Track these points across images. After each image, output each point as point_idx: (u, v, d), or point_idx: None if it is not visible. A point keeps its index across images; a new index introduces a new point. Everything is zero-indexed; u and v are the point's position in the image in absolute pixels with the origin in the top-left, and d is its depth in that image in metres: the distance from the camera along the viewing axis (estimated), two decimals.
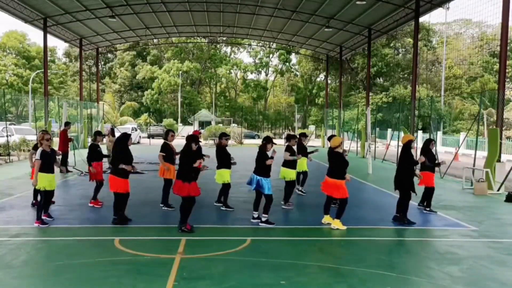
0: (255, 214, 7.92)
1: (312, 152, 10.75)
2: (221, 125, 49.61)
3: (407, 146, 8.10)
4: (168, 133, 9.02)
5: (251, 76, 68.46)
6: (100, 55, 41.71)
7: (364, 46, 29.33)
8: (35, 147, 8.75)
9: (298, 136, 10.25)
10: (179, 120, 57.93)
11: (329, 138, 9.81)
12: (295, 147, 9.58)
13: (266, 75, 70.54)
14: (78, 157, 16.27)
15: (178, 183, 6.91)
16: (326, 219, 7.86)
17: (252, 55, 66.15)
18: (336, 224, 7.60)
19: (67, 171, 14.54)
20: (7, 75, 55.42)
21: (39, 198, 8.03)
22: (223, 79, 63.92)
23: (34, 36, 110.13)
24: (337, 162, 7.66)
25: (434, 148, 9.39)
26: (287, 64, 65.49)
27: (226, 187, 8.93)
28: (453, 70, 47.44)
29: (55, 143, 14.00)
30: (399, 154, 8.36)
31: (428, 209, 9.21)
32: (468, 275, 5.51)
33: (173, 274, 5.22)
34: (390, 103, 39.83)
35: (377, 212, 9.24)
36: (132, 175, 7.89)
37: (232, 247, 6.37)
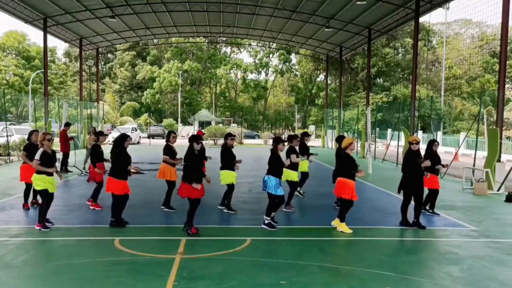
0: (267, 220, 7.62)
1: (312, 154, 10.65)
2: (221, 125, 49.65)
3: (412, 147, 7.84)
4: (170, 135, 8.94)
5: (251, 76, 68.51)
6: (100, 55, 41.70)
7: (364, 46, 29.34)
8: (26, 148, 8.63)
9: (299, 136, 9.90)
10: (179, 120, 57.94)
11: (337, 139, 9.73)
12: (297, 147, 9.39)
13: (266, 75, 70.58)
14: (79, 157, 16.27)
15: (185, 185, 6.76)
16: (335, 222, 7.60)
17: (252, 55, 66.17)
18: (342, 227, 7.40)
19: (67, 171, 14.55)
20: (8, 75, 55.43)
21: (39, 197, 7.97)
22: (222, 79, 63.94)
23: (34, 36, 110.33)
24: (345, 163, 7.50)
25: (437, 148, 9.26)
26: (287, 64, 65.52)
27: (230, 188, 8.73)
28: (453, 70, 47.45)
29: (55, 143, 13.98)
30: (405, 157, 8.00)
31: (431, 211, 9.06)
32: (468, 275, 5.51)
33: (173, 274, 5.22)
34: (390, 103, 39.84)
35: (377, 212, 9.24)
36: (132, 176, 7.86)
37: (232, 247, 6.37)
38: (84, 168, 15.14)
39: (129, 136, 7.83)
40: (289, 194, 9.05)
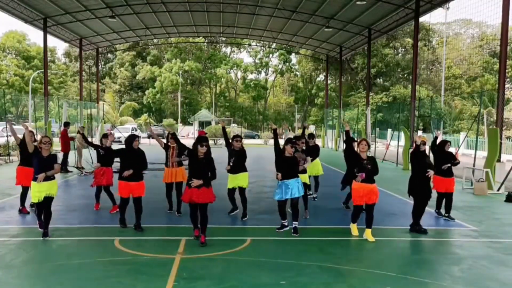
0: (285, 223, 7.34)
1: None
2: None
3: (418, 149, 7.43)
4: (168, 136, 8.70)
5: (251, 76, 68.47)
6: (100, 55, 41.70)
7: (364, 46, 29.33)
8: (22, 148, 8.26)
9: (305, 137, 9.51)
10: (179, 120, 57.93)
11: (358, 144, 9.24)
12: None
13: (266, 75, 70.54)
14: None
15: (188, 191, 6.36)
16: (353, 228, 7.27)
17: (252, 55, 66.16)
18: (367, 235, 6.92)
19: (67, 171, 14.56)
20: (8, 75, 55.45)
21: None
22: (222, 79, 63.93)
23: (34, 36, 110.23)
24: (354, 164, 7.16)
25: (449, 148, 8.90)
26: (287, 64, 65.50)
27: (241, 192, 8.31)
28: (452, 70, 47.46)
29: (55, 143, 13.98)
30: (412, 158, 7.57)
31: (447, 215, 8.53)
32: (468, 275, 5.51)
33: (173, 274, 5.22)
34: (390, 103, 39.82)
35: (377, 212, 9.17)
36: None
37: (232, 247, 6.37)
38: (83, 168, 15.16)
39: (138, 136, 7.72)
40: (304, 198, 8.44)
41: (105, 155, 8.68)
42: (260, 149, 29.33)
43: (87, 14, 23.87)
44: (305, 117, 63.64)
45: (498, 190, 12.23)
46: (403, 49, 52.07)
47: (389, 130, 34.21)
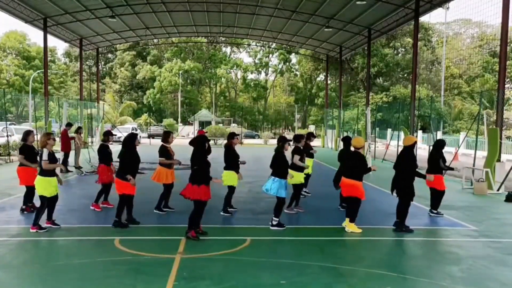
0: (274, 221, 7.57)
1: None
2: (221, 125, 49.63)
3: (410, 149, 7.64)
4: (169, 135, 8.64)
5: (251, 76, 68.49)
6: (100, 55, 41.70)
7: (364, 46, 29.32)
8: (23, 150, 8.22)
9: (305, 136, 9.67)
10: (179, 120, 57.94)
11: (343, 140, 9.47)
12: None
13: (266, 75, 70.56)
14: (80, 157, 16.26)
15: (189, 186, 6.59)
16: (346, 223, 7.51)
17: (252, 55, 66.15)
18: (352, 227, 7.33)
19: (67, 171, 14.55)
20: (8, 75, 55.45)
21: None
22: (222, 79, 63.95)
23: (34, 36, 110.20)
24: (362, 163, 7.49)
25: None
26: (287, 64, 65.50)
27: (231, 190, 8.61)
28: (450, 70, 47.46)
29: (56, 143, 13.98)
30: (400, 157, 7.78)
31: (435, 211, 8.88)
32: (468, 275, 5.51)
33: (173, 274, 5.22)
34: (390, 103, 39.82)
35: (377, 212, 9.24)
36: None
37: (232, 247, 6.37)
38: (81, 167, 15.15)
39: (137, 134, 7.80)
40: (294, 196, 8.85)
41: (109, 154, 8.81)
42: (260, 149, 29.33)
43: (87, 14, 23.87)
44: (305, 117, 63.68)
45: (498, 190, 12.24)
46: (403, 49, 52.08)
47: (389, 130, 34.22)
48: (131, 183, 7.23)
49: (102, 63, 65.93)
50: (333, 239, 7.15)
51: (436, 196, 8.90)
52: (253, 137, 49.11)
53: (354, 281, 5.18)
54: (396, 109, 29.78)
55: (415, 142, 7.85)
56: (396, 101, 40.04)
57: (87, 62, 56.98)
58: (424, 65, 49.70)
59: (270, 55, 65.60)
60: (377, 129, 31.17)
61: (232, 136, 8.68)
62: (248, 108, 66.57)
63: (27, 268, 5.52)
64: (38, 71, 50.71)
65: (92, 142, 26.71)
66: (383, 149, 24.62)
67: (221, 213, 8.66)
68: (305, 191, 10.57)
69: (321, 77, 58.22)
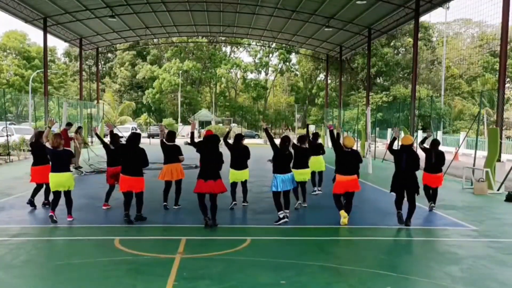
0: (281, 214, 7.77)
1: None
2: (221, 124, 49.65)
3: (410, 147, 8.04)
4: (175, 135, 8.99)
5: (251, 75, 68.44)
6: (100, 55, 41.71)
7: (364, 45, 29.33)
8: (34, 147, 8.67)
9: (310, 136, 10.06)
10: (179, 119, 57.92)
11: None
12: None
13: (266, 74, 70.50)
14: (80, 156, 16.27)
15: (211, 183, 7.14)
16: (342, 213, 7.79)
17: (252, 55, 66.10)
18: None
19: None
20: (8, 75, 55.45)
21: (51, 196, 7.92)
22: (222, 79, 63.91)
23: (34, 36, 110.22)
24: (354, 161, 7.87)
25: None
26: (287, 63, 65.45)
27: (232, 186, 8.94)
28: (451, 70, 47.43)
29: None
30: (408, 157, 7.91)
31: (433, 204, 9.27)
32: (468, 275, 5.50)
33: (173, 274, 5.22)
34: (390, 103, 39.80)
35: (377, 212, 9.24)
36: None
37: (232, 247, 6.37)
38: (81, 167, 15.16)
39: (140, 134, 7.98)
40: (302, 192, 9.20)
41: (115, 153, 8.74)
42: (260, 149, 29.32)
43: (87, 14, 23.88)
44: (305, 116, 63.65)
45: (498, 189, 12.23)
46: (403, 49, 52.04)
47: (389, 130, 34.21)
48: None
49: (102, 62, 65.88)
50: (333, 239, 7.15)
51: (434, 193, 9.27)
52: (253, 137, 49.08)
53: (354, 281, 5.18)
54: (396, 109, 29.79)
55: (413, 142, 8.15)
56: (396, 101, 40.03)
57: (87, 62, 56.94)
58: (424, 65, 49.65)
59: (270, 55, 65.53)
60: (377, 129, 31.18)
61: (240, 138, 8.90)
62: (248, 108, 66.51)
63: (27, 268, 5.51)
64: (38, 70, 50.67)
65: (92, 142, 26.70)
66: (383, 149, 24.62)
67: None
68: (317, 189, 10.81)
69: (321, 77, 58.17)
